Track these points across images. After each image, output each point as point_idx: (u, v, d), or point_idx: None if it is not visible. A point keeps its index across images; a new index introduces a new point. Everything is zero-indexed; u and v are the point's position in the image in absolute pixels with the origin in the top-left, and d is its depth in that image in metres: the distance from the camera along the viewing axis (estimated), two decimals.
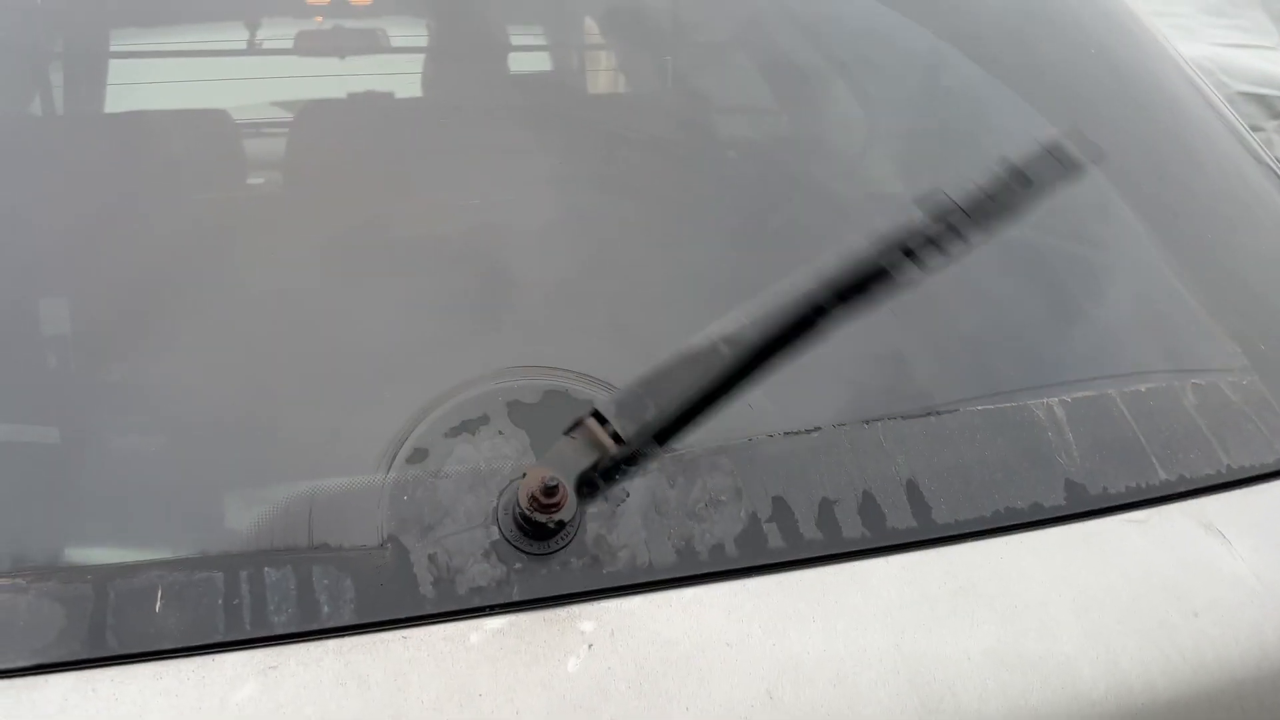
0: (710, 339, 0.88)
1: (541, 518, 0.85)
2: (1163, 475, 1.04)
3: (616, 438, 0.85)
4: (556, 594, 0.86)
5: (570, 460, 0.86)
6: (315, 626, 0.81)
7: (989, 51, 1.49)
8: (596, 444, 0.86)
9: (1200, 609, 0.93)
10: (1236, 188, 1.40)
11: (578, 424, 0.87)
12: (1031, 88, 1.45)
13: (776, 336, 0.87)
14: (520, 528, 0.87)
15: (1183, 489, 1.04)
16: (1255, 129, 5.31)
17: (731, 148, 1.45)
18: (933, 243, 0.88)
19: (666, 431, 0.88)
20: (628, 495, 0.92)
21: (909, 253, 0.88)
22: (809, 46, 1.52)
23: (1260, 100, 6.26)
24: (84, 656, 0.78)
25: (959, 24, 1.52)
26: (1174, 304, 1.23)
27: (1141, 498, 1.02)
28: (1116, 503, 1.01)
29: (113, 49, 1.68)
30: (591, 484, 0.88)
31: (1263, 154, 1.42)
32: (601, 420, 0.86)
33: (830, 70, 1.51)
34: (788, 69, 1.51)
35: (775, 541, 0.92)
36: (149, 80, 1.68)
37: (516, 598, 0.85)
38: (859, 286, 0.87)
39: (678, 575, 0.89)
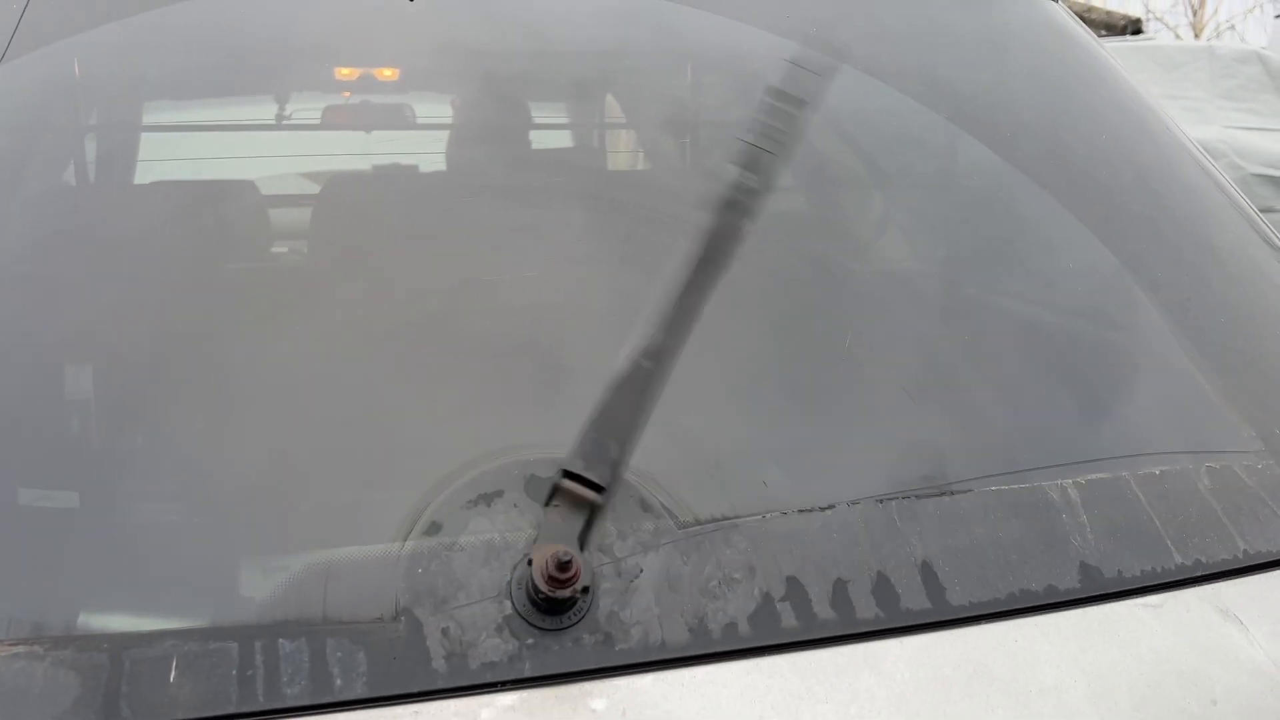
0: (630, 360, 0.91)
1: (563, 593, 0.85)
2: (1178, 559, 1.04)
3: (596, 487, 0.86)
4: (568, 670, 0.86)
5: (565, 529, 0.87)
6: (327, 699, 0.81)
7: (1002, 137, 1.52)
8: (581, 501, 0.87)
9: (1219, 697, 0.92)
10: (1248, 271, 1.41)
11: (554, 492, 0.88)
12: (1043, 173, 1.47)
13: (683, 331, 0.91)
14: (533, 602, 0.87)
15: (1198, 573, 1.03)
16: (1268, 210, 5.35)
17: (764, 230, 1.47)
18: (755, 187, 0.94)
19: (635, 458, 0.89)
20: (641, 571, 0.92)
21: (740, 206, 0.94)
22: (851, 148, 1.56)
23: (1273, 182, 6.32)
24: None
25: (972, 111, 1.55)
26: (1188, 387, 1.24)
27: (1156, 581, 1.02)
28: (1131, 586, 1.01)
29: (145, 123, 1.72)
30: (597, 541, 0.89)
31: (1273, 237, 1.43)
32: (575, 476, 0.87)
33: (863, 166, 1.54)
34: (826, 162, 1.54)
35: (789, 621, 0.91)
36: (180, 155, 1.72)
37: (528, 673, 0.85)
38: (716, 256, 0.92)
39: (690, 654, 0.88)
